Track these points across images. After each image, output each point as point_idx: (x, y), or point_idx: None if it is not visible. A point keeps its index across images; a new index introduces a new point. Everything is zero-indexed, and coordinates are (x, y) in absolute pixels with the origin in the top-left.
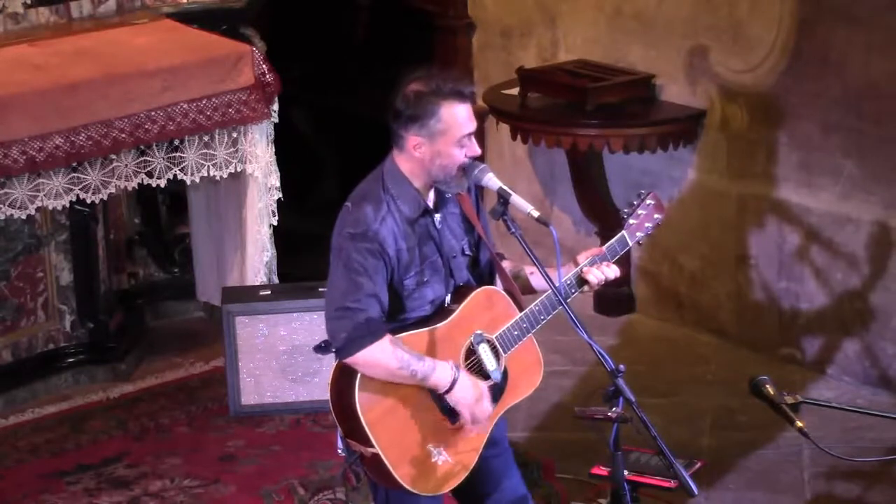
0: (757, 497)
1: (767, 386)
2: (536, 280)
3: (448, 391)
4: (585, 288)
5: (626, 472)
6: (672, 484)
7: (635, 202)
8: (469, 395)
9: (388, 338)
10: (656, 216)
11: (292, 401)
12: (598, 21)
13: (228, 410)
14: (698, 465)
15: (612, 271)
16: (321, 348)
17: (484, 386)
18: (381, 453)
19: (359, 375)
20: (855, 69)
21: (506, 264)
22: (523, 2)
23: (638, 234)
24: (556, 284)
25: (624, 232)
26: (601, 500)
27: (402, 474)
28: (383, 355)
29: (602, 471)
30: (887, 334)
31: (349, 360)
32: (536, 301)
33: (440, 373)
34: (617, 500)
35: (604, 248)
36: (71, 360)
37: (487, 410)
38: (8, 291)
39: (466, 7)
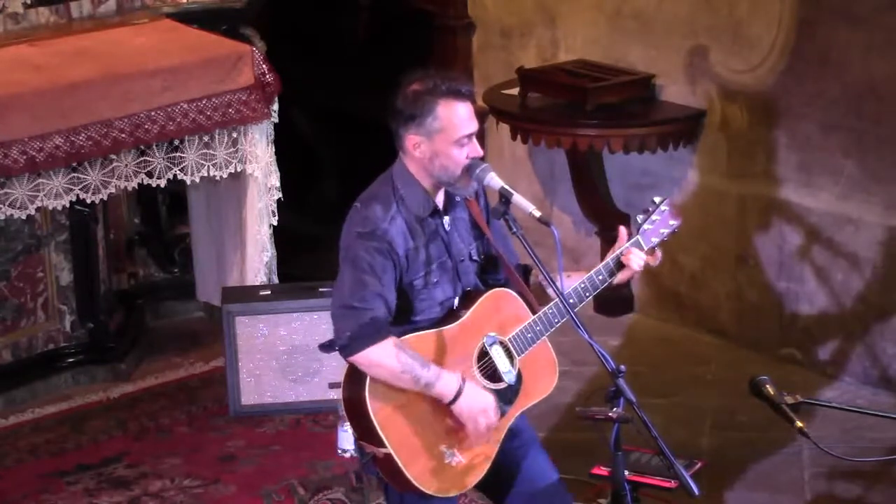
0: (757, 497)
1: (767, 386)
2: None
3: (452, 402)
4: (617, 278)
5: (626, 473)
6: (672, 484)
7: (650, 208)
8: (474, 407)
9: (392, 339)
10: (672, 223)
11: (292, 401)
12: (598, 21)
13: (228, 410)
14: (698, 465)
15: (652, 258)
16: (326, 346)
17: (491, 398)
18: (392, 453)
19: (369, 375)
20: (855, 69)
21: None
22: (523, 2)
23: (653, 239)
24: (560, 287)
25: (638, 237)
26: (601, 500)
27: (415, 474)
28: (386, 356)
29: (602, 471)
30: (887, 334)
31: (351, 359)
32: (550, 304)
33: (445, 381)
34: (617, 500)
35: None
36: (71, 360)
37: (492, 422)
38: (8, 291)
39: (466, 7)
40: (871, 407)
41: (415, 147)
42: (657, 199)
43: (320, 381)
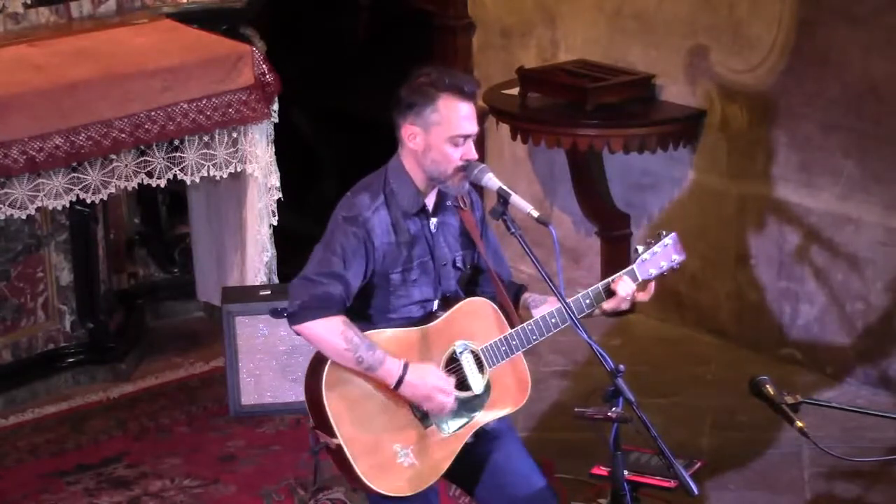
0: (757, 497)
1: (767, 386)
2: (540, 312)
3: (396, 387)
4: (598, 310)
5: (626, 472)
6: (672, 484)
7: (652, 240)
8: (417, 393)
9: (341, 318)
10: (675, 257)
11: (292, 401)
12: (598, 21)
13: (228, 410)
14: (698, 465)
15: (644, 293)
16: (276, 312)
17: (436, 382)
18: (343, 445)
19: (328, 364)
20: (855, 69)
21: (527, 296)
22: (523, 2)
23: (651, 271)
24: (559, 288)
25: (634, 266)
26: (601, 500)
27: (364, 470)
28: (332, 332)
29: (602, 471)
30: (887, 334)
31: (297, 328)
32: (531, 321)
33: (387, 367)
34: (617, 500)
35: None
36: (71, 360)
37: (447, 403)
38: (8, 291)
39: (466, 7)
40: (871, 407)
41: (410, 138)
42: (663, 232)
43: None
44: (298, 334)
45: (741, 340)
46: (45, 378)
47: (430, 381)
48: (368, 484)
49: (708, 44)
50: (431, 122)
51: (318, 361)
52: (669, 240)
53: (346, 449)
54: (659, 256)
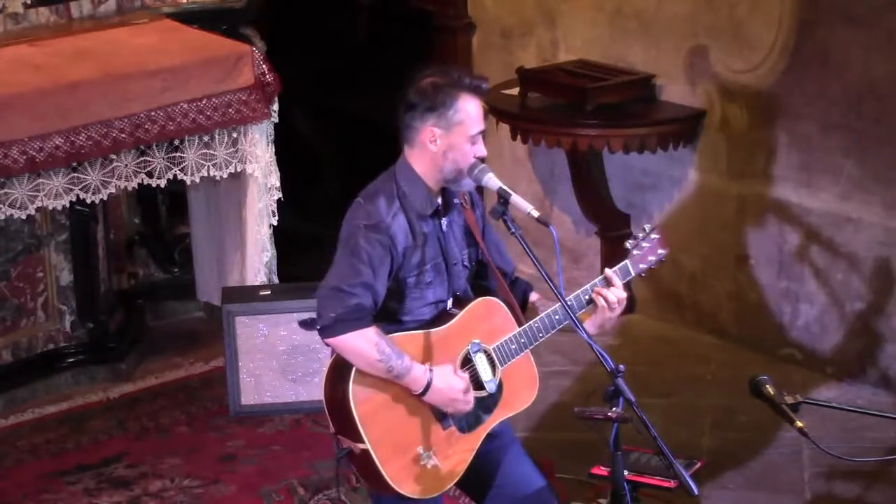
0: (757, 497)
1: (767, 386)
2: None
3: (422, 394)
4: (600, 324)
5: (626, 472)
6: (672, 484)
7: (640, 235)
8: (442, 399)
9: (374, 328)
10: (660, 251)
11: (292, 401)
12: (598, 21)
13: (228, 410)
14: (698, 465)
15: (620, 293)
16: (307, 323)
17: (459, 385)
18: (370, 450)
19: (354, 371)
20: (855, 69)
21: (534, 296)
22: (523, 2)
23: (641, 265)
24: (560, 288)
25: (627, 262)
26: (601, 500)
27: (391, 473)
28: (366, 343)
29: (602, 471)
30: (887, 334)
31: (331, 341)
32: (537, 318)
33: (414, 375)
34: (617, 500)
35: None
36: (71, 360)
37: (468, 402)
38: (8, 291)
39: (466, 7)
40: (871, 407)
41: (431, 140)
42: (647, 227)
43: (320, 381)
44: (330, 346)
45: (741, 340)
46: (45, 378)
47: (454, 385)
48: (396, 488)
49: (708, 44)
50: (454, 123)
51: (342, 367)
52: (656, 234)
53: (373, 454)
54: (647, 251)
